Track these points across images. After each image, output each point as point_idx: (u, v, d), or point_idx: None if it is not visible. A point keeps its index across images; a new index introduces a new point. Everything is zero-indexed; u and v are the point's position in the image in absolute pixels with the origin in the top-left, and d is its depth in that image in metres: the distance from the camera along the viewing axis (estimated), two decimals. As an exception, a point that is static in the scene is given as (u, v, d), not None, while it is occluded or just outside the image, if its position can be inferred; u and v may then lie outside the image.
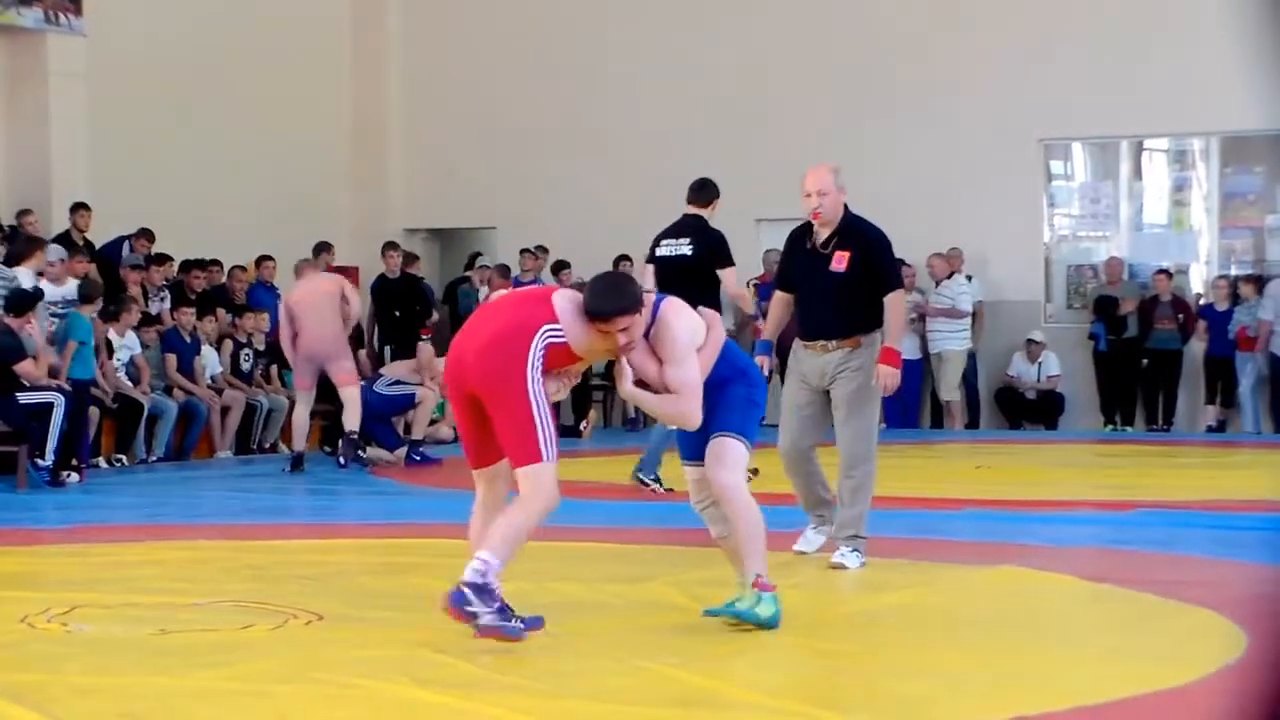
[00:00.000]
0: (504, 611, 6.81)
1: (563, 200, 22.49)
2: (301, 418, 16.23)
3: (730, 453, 7.27)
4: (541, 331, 6.95)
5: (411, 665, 6.60)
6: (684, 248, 12.63)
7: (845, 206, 9.47)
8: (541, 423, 6.89)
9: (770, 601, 7.14)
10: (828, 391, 9.46)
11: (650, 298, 7.20)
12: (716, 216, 12.89)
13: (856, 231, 9.52)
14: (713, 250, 12.54)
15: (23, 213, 18.56)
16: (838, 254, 9.42)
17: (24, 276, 15.53)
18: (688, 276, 12.09)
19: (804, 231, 9.65)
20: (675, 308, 7.20)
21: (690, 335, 7.17)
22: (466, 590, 6.79)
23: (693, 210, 12.80)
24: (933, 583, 8.91)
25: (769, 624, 7.10)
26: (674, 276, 12.11)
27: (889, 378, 9.38)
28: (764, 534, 7.26)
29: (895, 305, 9.52)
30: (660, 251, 12.74)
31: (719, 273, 12.52)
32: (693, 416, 7.16)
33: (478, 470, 7.29)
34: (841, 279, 9.39)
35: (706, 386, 7.12)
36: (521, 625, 6.86)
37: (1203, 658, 6.74)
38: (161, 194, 20.14)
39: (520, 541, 6.94)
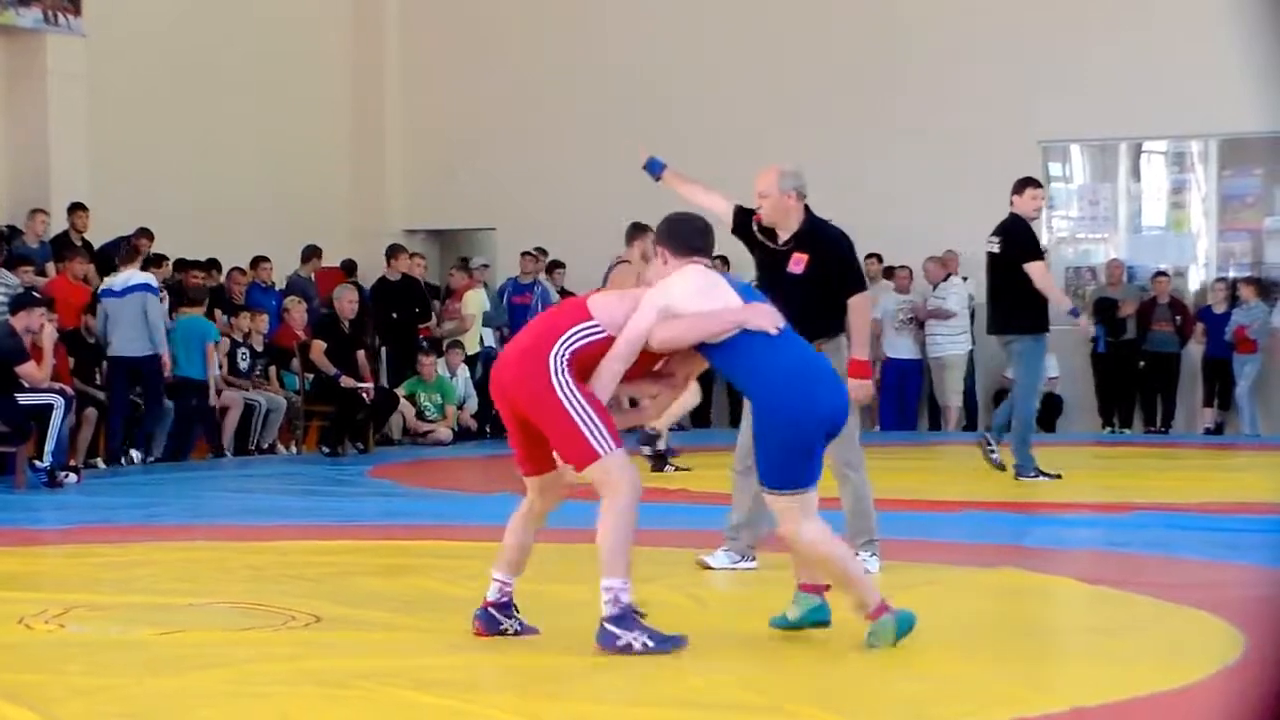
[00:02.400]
0: (650, 632, 6.75)
1: (562, 201, 22.51)
2: None
3: (773, 508, 6.97)
4: (566, 336, 6.87)
5: (410, 667, 6.61)
6: None
7: (807, 209, 9.29)
8: (584, 419, 6.75)
9: (889, 622, 6.88)
10: None
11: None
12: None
13: (816, 234, 9.30)
14: None
15: (35, 211, 18.61)
16: (795, 255, 9.19)
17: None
18: None
19: (768, 234, 9.35)
20: (686, 270, 7.01)
21: (665, 290, 6.89)
22: (609, 626, 6.72)
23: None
24: (932, 584, 8.90)
25: (900, 634, 6.89)
26: None
27: (859, 390, 9.16)
28: (849, 565, 6.98)
29: (858, 309, 9.38)
30: None
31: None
32: (598, 383, 6.89)
33: (528, 478, 7.19)
34: (799, 281, 9.15)
35: None
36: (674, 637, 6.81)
37: (1200, 660, 6.75)
38: (160, 194, 20.16)
39: (625, 544, 6.76)
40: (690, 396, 7.10)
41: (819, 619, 7.06)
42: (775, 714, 5.84)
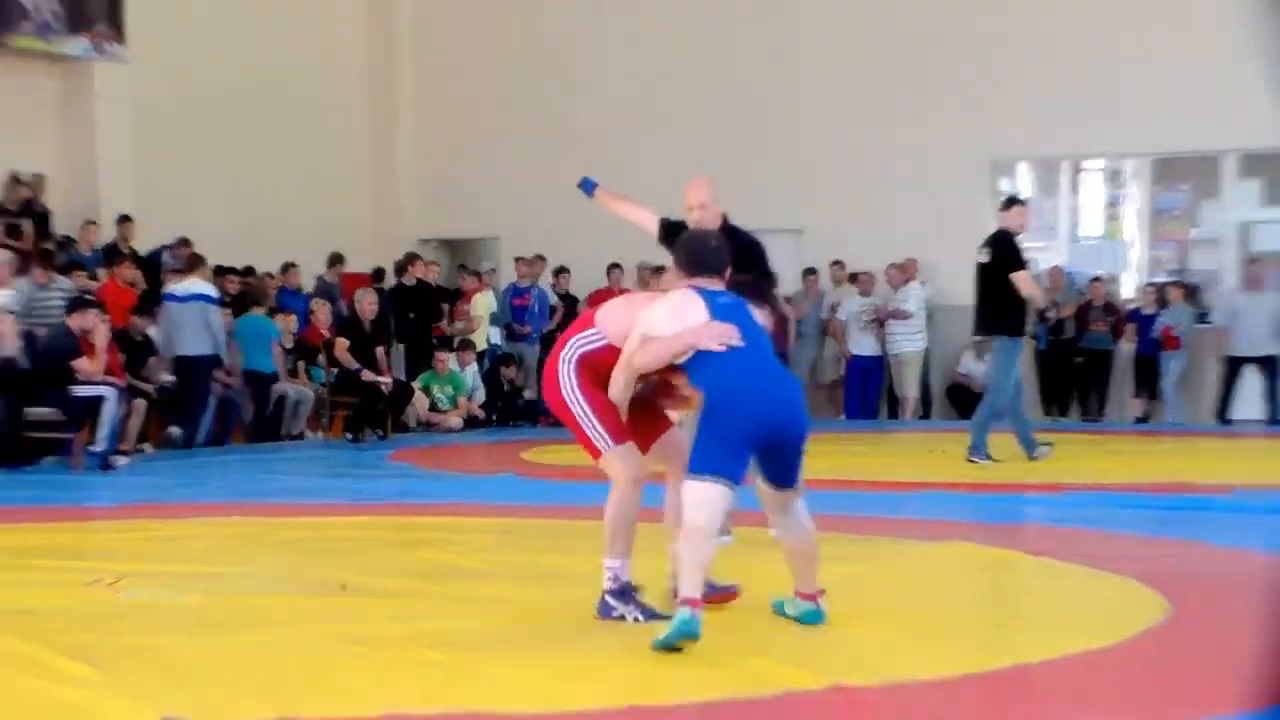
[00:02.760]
0: (644, 608, 6.82)
1: (559, 212, 22.44)
2: None
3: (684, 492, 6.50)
4: (571, 343, 6.94)
5: (426, 629, 6.65)
6: None
7: (724, 216, 9.13)
8: (585, 420, 6.80)
9: (681, 614, 6.19)
10: None
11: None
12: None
13: (735, 239, 8.85)
14: None
15: (87, 223, 18.67)
16: None
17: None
18: None
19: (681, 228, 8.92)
20: (670, 295, 6.82)
21: (647, 316, 6.70)
22: (608, 599, 6.82)
23: None
24: (890, 556, 8.93)
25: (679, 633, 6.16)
26: None
27: None
28: (686, 555, 6.31)
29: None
30: None
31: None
32: (611, 391, 6.83)
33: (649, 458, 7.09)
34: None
35: None
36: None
37: (1128, 622, 6.80)
38: (199, 207, 20.17)
39: (623, 528, 6.74)
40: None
41: (811, 620, 6.83)
42: (750, 671, 5.88)
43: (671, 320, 6.65)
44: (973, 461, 14.06)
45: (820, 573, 7.30)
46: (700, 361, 6.55)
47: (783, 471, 6.62)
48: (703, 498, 6.36)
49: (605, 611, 6.85)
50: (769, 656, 6.10)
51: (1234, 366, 19.70)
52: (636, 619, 6.77)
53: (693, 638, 6.06)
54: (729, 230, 9.04)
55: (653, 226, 9.31)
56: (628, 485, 6.81)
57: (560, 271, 21.99)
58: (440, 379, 19.86)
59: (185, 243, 19.13)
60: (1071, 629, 6.72)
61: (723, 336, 6.51)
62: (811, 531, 6.82)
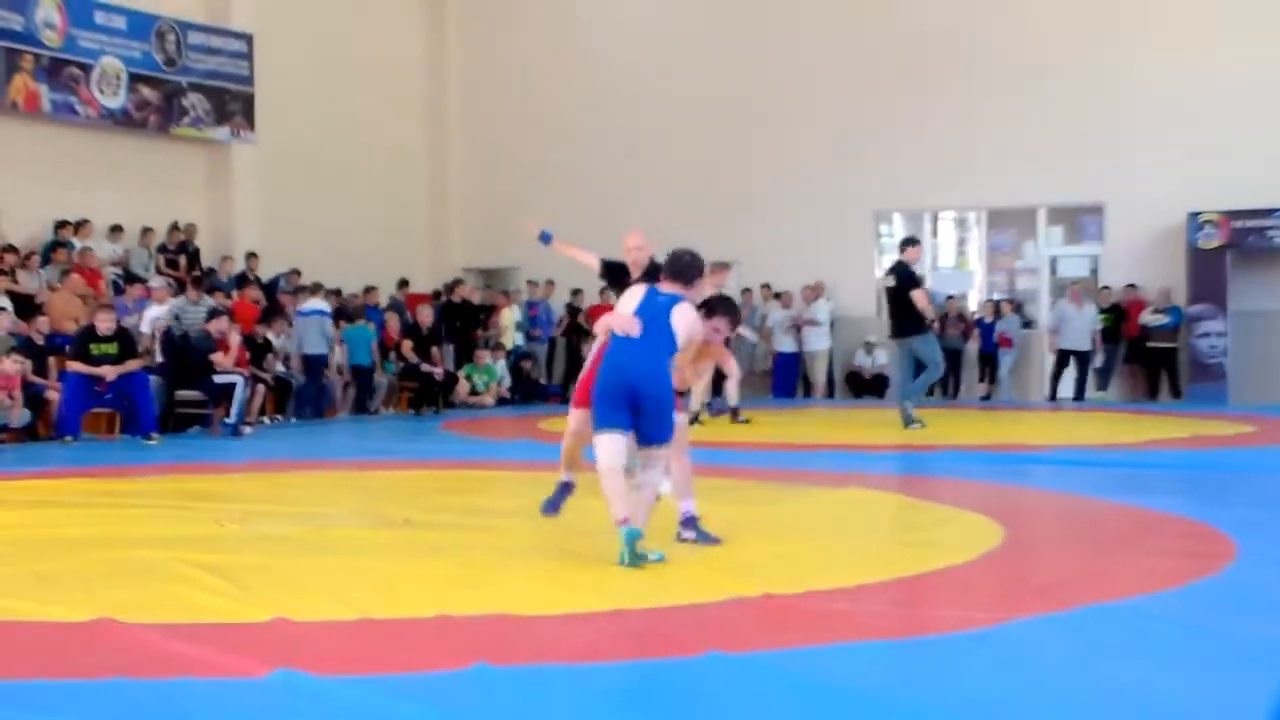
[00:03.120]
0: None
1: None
2: None
3: (595, 442, 6.38)
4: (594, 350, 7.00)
5: (469, 552, 6.62)
6: None
7: (651, 255, 8.67)
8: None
9: (622, 532, 6.18)
10: None
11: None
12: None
13: (657, 269, 8.51)
14: None
15: (224, 258, 18.76)
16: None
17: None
18: None
19: (625, 270, 8.68)
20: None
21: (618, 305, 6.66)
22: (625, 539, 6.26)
23: None
24: (798, 499, 8.89)
25: (629, 543, 6.16)
26: None
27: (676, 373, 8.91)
28: (608, 485, 6.24)
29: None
30: None
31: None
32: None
33: None
34: None
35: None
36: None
37: (974, 545, 6.79)
38: (304, 245, 20.14)
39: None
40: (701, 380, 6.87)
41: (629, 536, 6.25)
42: (701, 580, 5.83)
43: (621, 304, 6.59)
44: (911, 429, 13.94)
45: (744, 511, 7.21)
46: (612, 342, 6.45)
47: (648, 429, 6.32)
48: (603, 446, 6.28)
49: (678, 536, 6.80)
50: (714, 572, 6.06)
51: (1062, 358, 19.69)
52: (696, 541, 6.75)
53: (638, 539, 6.10)
54: (655, 265, 8.59)
55: (595, 265, 8.99)
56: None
57: (576, 292, 21.91)
58: (478, 370, 19.79)
59: (296, 272, 19.10)
60: (936, 551, 6.70)
61: (623, 327, 6.39)
62: (652, 493, 6.40)
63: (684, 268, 6.67)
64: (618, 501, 6.20)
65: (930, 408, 17.48)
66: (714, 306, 6.89)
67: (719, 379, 14.66)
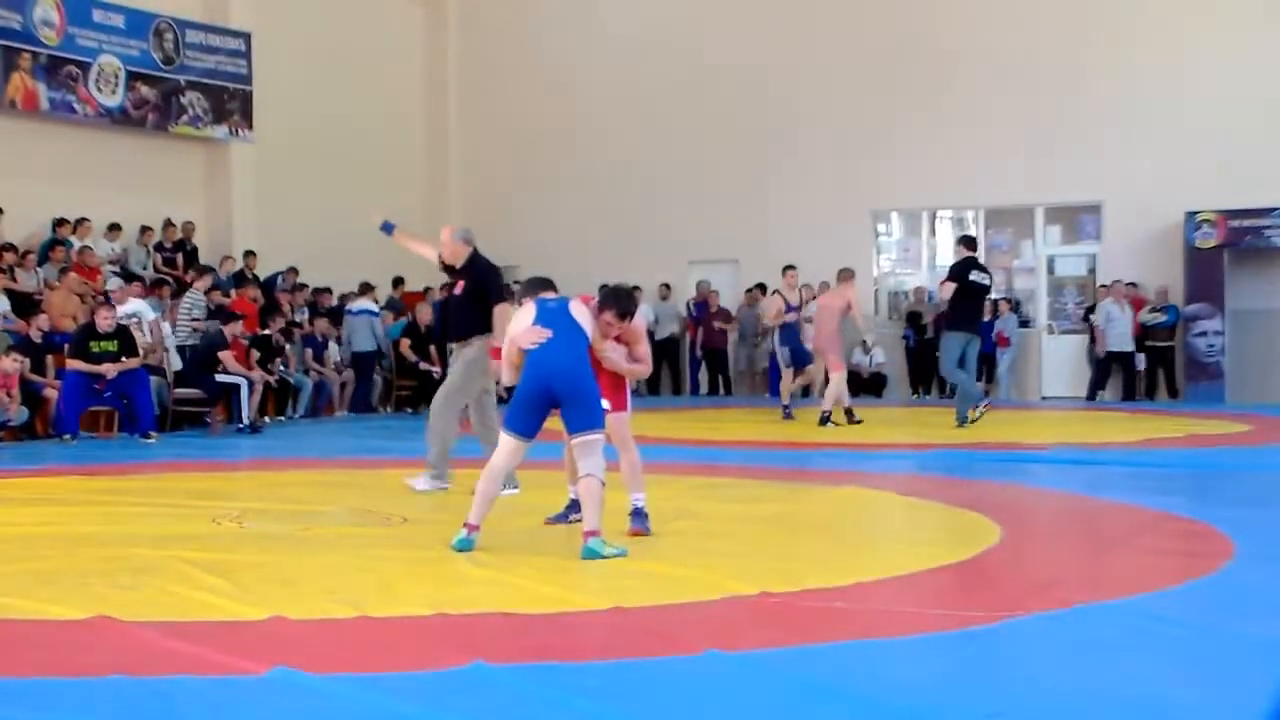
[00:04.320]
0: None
1: (562, 247, 22.46)
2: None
3: (501, 440, 6.67)
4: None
5: (469, 552, 6.60)
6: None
7: (475, 251, 9.16)
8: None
9: (460, 533, 6.56)
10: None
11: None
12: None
13: (472, 266, 9.17)
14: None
15: (225, 258, 18.75)
16: (459, 281, 9.20)
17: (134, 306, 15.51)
18: None
19: (449, 269, 9.33)
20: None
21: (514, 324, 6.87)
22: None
23: None
24: (798, 498, 8.91)
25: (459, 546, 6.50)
26: None
27: (496, 370, 8.70)
28: (484, 489, 6.61)
29: (499, 315, 8.95)
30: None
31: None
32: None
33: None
34: (460, 297, 9.14)
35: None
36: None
37: (971, 544, 6.80)
38: (301, 243, 20.09)
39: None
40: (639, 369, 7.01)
41: (588, 556, 6.37)
42: (698, 582, 5.82)
43: (515, 325, 6.74)
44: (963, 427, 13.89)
45: (745, 511, 7.19)
46: (528, 356, 6.58)
47: (577, 418, 6.46)
48: (502, 446, 6.54)
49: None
50: (711, 571, 6.05)
51: (1104, 361, 19.39)
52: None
53: (465, 550, 6.38)
54: (473, 259, 9.21)
55: (434, 256, 9.44)
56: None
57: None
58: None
59: (293, 270, 19.08)
60: (933, 549, 6.69)
61: (533, 339, 6.56)
62: (596, 483, 6.44)
63: (549, 281, 7.22)
64: (481, 505, 6.54)
65: (927, 406, 17.49)
66: (603, 300, 6.94)
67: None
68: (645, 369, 7.23)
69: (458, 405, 9.20)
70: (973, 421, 14.03)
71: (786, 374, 16.26)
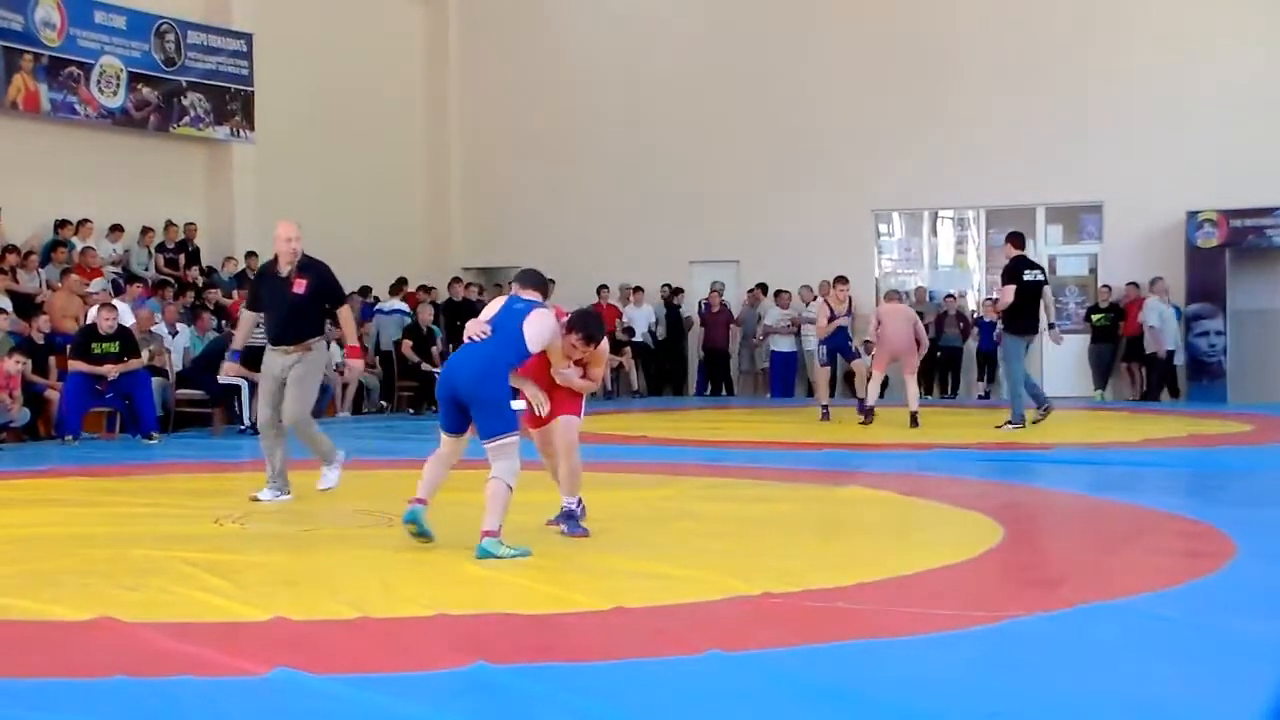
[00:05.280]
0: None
1: (563, 247, 22.45)
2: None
3: None
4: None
5: (468, 551, 6.59)
6: None
7: (301, 251, 8.92)
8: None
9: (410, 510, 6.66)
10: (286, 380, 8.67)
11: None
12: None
13: (312, 265, 8.88)
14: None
15: (227, 259, 18.80)
16: (296, 280, 8.73)
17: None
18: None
19: (270, 265, 8.96)
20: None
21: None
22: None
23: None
24: (802, 498, 8.91)
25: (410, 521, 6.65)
26: None
27: (354, 368, 9.01)
28: (427, 478, 6.77)
29: (346, 316, 9.00)
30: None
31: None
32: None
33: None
34: (302, 300, 8.74)
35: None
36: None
37: (973, 544, 6.79)
38: (304, 244, 20.00)
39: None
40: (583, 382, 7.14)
41: (482, 556, 6.44)
42: (697, 582, 5.82)
43: (483, 314, 6.93)
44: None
45: (747, 511, 7.17)
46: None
47: (480, 425, 6.56)
48: (442, 444, 6.75)
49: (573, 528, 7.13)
50: (713, 571, 6.05)
51: (1151, 361, 19.13)
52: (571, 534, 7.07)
53: (412, 523, 6.56)
54: (308, 260, 8.89)
55: (249, 320, 9.18)
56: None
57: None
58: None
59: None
60: (932, 549, 6.69)
61: (471, 331, 6.77)
62: (502, 485, 6.53)
63: (539, 278, 7.08)
64: (428, 484, 6.72)
65: (929, 406, 17.47)
66: (572, 323, 6.96)
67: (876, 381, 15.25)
68: (593, 386, 7.28)
69: (310, 409, 8.92)
70: (1035, 423, 13.89)
71: (823, 373, 16.32)
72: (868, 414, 15.12)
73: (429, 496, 6.73)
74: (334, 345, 17.90)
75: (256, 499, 8.66)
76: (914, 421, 14.42)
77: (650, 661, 4.52)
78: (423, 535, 6.59)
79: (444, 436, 6.76)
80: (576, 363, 7.07)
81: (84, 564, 6.30)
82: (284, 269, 8.77)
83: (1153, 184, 19.54)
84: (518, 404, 6.77)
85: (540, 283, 7.04)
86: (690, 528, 7.39)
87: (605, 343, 7.25)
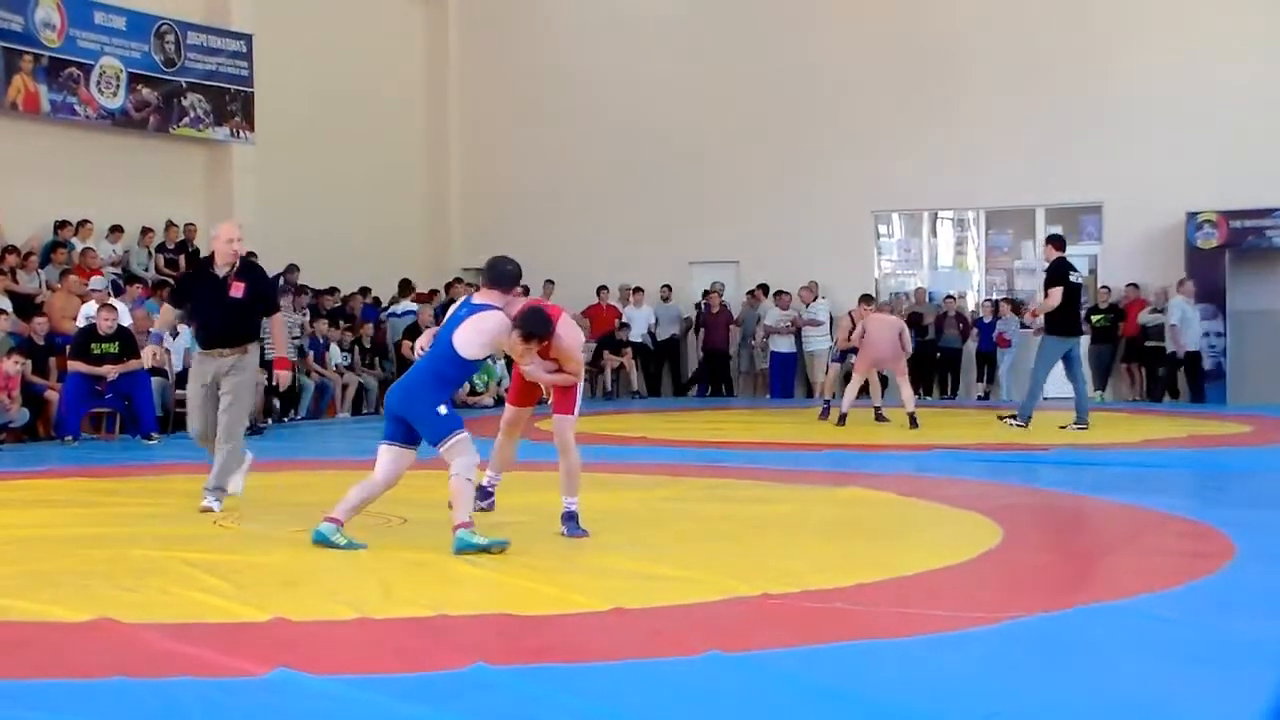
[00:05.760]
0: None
1: (563, 249, 22.45)
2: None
3: None
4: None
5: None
6: None
7: (247, 252, 8.60)
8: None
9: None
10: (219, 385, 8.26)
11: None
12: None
13: (250, 268, 8.54)
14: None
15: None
16: (234, 283, 8.26)
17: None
18: None
19: (206, 265, 8.47)
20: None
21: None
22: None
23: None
24: (801, 498, 8.90)
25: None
26: None
27: (284, 377, 8.67)
28: (362, 494, 6.86)
29: (279, 324, 8.69)
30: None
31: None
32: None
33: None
34: (242, 304, 8.29)
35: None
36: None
37: (973, 545, 6.79)
38: (303, 244, 20.07)
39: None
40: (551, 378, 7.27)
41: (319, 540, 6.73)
42: (697, 583, 5.80)
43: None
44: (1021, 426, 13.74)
45: (750, 512, 7.16)
46: None
47: (424, 435, 6.75)
48: (381, 454, 6.87)
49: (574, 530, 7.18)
50: (713, 572, 6.05)
51: (1175, 360, 19.00)
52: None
53: (321, 542, 6.64)
54: (247, 263, 8.56)
55: (170, 314, 8.88)
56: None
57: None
58: (480, 370, 19.76)
59: (294, 269, 19.10)
60: (931, 550, 6.69)
61: (422, 345, 7.03)
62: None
63: (498, 275, 7.00)
64: (351, 506, 6.78)
65: (928, 407, 17.47)
66: (514, 321, 6.97)
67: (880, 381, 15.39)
68: (569, 380, 7.30)
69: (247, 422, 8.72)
70: (1077, 427, 13.78)
71: (834, 369, 16.40)
72: (834, 416, 15.13)
73: (345, 517, 6.80)
74: (334, 346, 17.99)
75: (231, 493, 8.36)
76: (913, 422, 14.43)
77: (649, 662, 4.52)
78: (330, 546, 6.67)
79: (382, 447, 6.84)
80: (551, 359, 7.16)
81: (83, 565, 6.30)
82: (221, 270, 8.34)
83: (1153, 184, 19.55)
84: (441, 409, 6.76)
85: (501, 277, 6.96)
86: (689, 528, 7.38)
87: (574, 337, 7.29)
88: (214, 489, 8.23)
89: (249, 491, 8.86)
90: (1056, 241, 14.22)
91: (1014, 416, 14.01)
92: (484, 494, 7.73)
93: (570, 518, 7.21)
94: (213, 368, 8.27)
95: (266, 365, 11.67)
